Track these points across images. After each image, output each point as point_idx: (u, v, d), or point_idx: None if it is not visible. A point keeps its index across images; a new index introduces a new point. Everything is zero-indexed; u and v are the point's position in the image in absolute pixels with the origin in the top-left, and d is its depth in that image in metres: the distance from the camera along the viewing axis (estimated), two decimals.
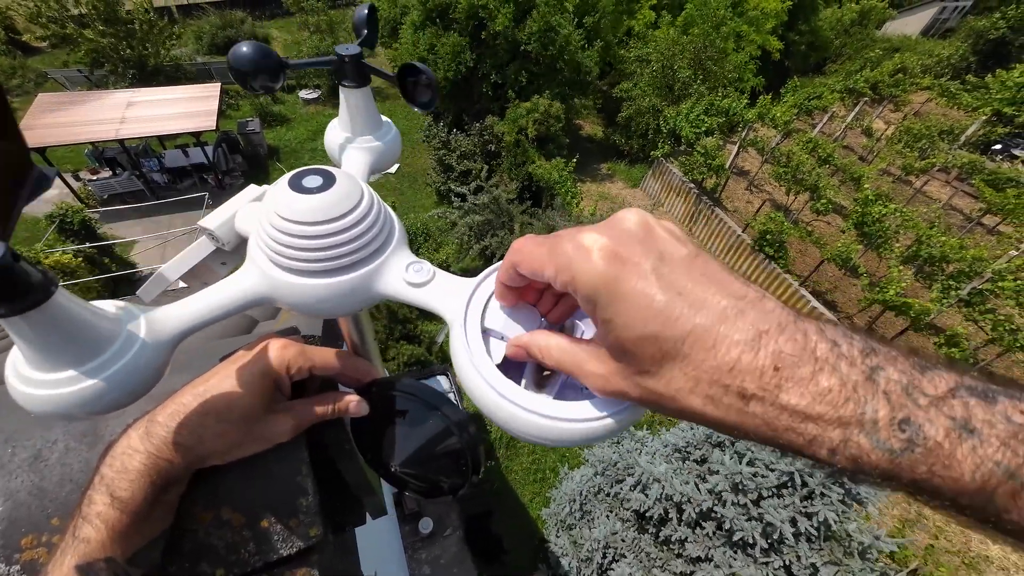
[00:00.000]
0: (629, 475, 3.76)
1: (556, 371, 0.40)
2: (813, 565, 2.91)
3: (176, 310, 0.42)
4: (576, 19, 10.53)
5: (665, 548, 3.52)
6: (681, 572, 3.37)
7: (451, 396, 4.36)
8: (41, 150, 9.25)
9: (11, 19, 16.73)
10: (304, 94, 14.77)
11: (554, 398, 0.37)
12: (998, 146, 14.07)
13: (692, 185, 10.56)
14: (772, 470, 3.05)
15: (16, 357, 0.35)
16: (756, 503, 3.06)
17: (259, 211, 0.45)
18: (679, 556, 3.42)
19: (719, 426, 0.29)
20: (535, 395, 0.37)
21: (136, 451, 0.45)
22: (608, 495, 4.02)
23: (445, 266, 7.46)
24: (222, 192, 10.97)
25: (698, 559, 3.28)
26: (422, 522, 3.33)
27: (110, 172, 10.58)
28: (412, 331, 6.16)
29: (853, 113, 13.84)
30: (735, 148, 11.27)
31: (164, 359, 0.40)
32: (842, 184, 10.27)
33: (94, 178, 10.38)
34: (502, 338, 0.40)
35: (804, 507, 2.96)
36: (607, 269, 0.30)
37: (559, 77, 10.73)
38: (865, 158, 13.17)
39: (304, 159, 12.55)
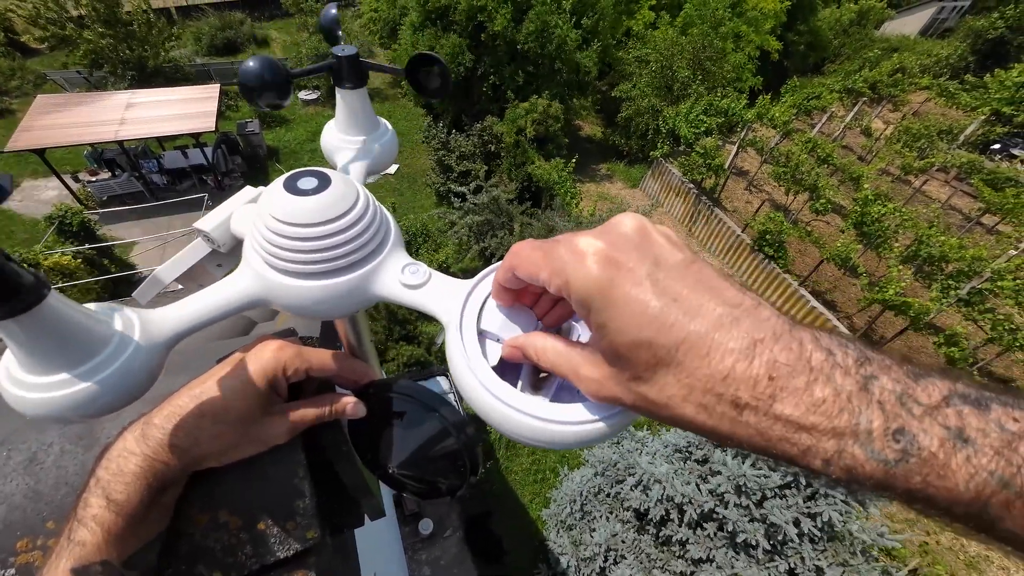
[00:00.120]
0: (630, 475, 3.75)
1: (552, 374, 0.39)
2: (818, 567, 2.89)
3: (171, 312, 0.41)
4: (574, 19, 10.53)
5: (665, 549, 3.52)
6: (682, 572, 3.36)
7: (450, 397, 4.36)
8: (40, 151, 9.24)
9: (10, 21, 16.71)
10: (303, 95, 14.77)
11: (550, 400, 0.37)
12: (997, 146, 14.07)
13: (691, 185, 10.56)
14: (775, 470, 3.04)
15: (9, 360, 0.35)
16: (759, 504, 3.06)
17: (254, 213, 0.44)
18: (680, 557, 3.41)
19: (712, 435, 0.28)
20: (529, 397, 0.37)
21: (132, 453, 0.45)
22: (608, 496, 4.01)
23: (445, 267, 7.46)
24: (221, 193, 10.96)
25: (699, 560, 3.27)
26: (422, 523, 3.33)
27: (109, 173, 10.56)
28: (411, 332, 6.16)
29: (852, 113, 13.84)
30: (734, 148, 11.27)
31: (159, 361, 0.40)
32: (841, 184, 10.27)
33: (93, 179, 10.37)
34: (498, 340, 0.40)
35: (808, 507, 2.96)
36: (601, 274, 0.30)
37: (558, 77, 10.74)
38: (864, 158, 13.17)
39: (303, 160, 12.56)
